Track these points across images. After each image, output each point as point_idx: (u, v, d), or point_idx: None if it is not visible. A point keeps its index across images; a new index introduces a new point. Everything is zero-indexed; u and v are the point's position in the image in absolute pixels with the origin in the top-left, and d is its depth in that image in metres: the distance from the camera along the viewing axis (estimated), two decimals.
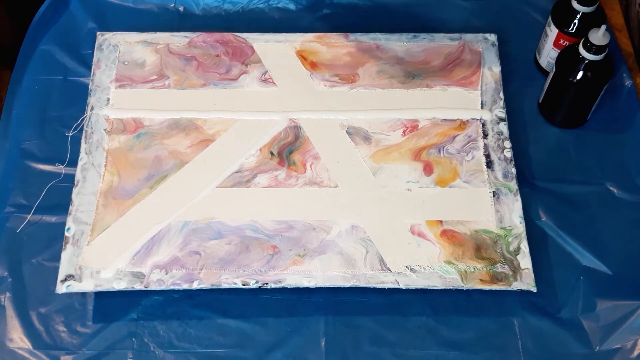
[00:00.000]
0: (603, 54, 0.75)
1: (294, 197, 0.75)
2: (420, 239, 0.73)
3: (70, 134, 0.81)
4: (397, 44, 0.85)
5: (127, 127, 0.79)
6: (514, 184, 0.76)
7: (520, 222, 0.74)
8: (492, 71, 0.83)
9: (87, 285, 0.70)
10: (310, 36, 0.85)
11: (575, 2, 0.79)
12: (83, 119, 0.80)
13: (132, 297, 0.72)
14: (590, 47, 0.75)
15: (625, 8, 0.93)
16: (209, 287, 0.70)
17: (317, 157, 0.78)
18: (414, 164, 0.77)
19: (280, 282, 0.70)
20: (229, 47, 0.85)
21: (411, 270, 0.71)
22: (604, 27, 0.74)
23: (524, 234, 0.73)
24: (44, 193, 0.78)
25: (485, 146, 0.79)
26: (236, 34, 0.86)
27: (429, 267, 0.71)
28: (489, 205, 0.75)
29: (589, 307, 0.73)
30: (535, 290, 0.70)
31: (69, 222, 0.73)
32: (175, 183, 0.76)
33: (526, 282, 0.71)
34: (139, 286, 0.70)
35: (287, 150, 0.78)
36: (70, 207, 0.74)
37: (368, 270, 0.71)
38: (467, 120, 0.80)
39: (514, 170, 0.77)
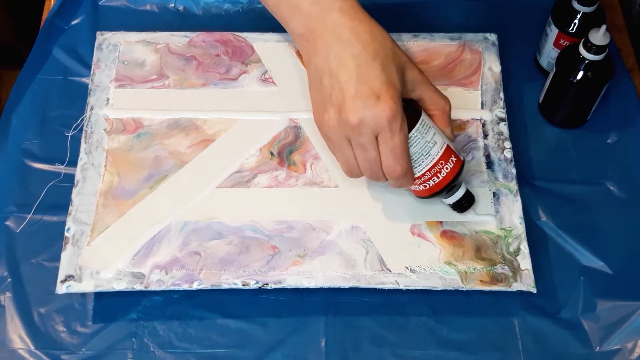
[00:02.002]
0: (603, 54, 0.75)
1: (294, 198, 0.75)
2: (421, 240, 0.73)
3: (70, 134, 0.81)
4: (397, 43, 0.85)
5: (127, 127, 0.79)
6: (514, 185, 0.76)
7: (520, 223, 0.74)
8: (492, 71, 0.83)
9: (87, 286, 0.70)
10: None
11: (576, 2, 0.79)
12: (83, 119, 0.80)
13: (132, 297, 0.72)
14: (591, 47, 0.75)
15: (626, 8, 0.93)
16: (209, 287, 0.70)
17: (317, 157, 0.78)
18: None
19: (280, 282, 0.70)
20: (229, 46, 0.85)
21: (411, 271, 0.71)
22: (604, 27, 0.74)
23: (524, 235, 0.73)
24: (44, 193, 0.78)
25: (486, 146, 0.79)
26: (236, 33, 0.86)
27: (429, 267, 0.71)
28: (489, 206, 0.75)
29: (589, 308, 0.73)
30: (535, 291, 0.70)
31: (69, 222, 0.73)
32: (175, 183, 0.76)
33: (526, 283, 0.71)
34: (139, 286, 0.70)
35: (287, 151, 0.78)
36: (70, 207, 0.74)
37: (368, 271, 0.71)
38: (467, 120, 0.80)
39: (514, 170, 0.77)
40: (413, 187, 0.70)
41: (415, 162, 0.67)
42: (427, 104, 0.68)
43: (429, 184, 0.69)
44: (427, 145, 0.67)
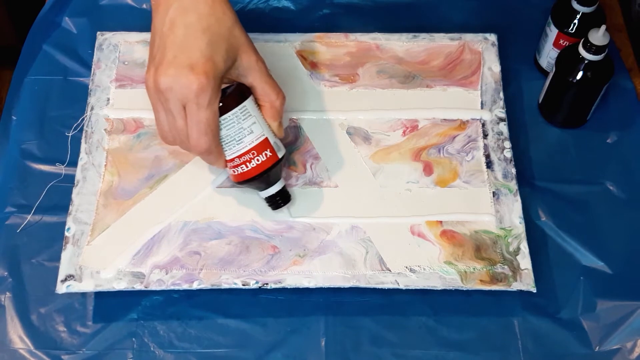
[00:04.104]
0: (603, 54, 0.75)
1: (294, 197, 0.75)
2: (420, 240, 0.73)
3: (70, 134, 0.81)
4: (397, 43, 0.85)
5: (127, 127, 0.79)
6: (513, 184, 0.76)
7: (520, 223, 0.74)
8: (492, 71, 0.83)
9: (87, 285, 0.70)
10: (310, 36, 0.85)
11: (575, 2, 0.79)
12: (83, 119, 0.80)
13: (132, 297, 0.72)
14: (590, 47, 0.75)
15: (625, 8, 0.93)
16: (209, 287, 0.70)
17: (317, 157, 0.78)
18: (414, 164, 0.77)
19: (280, 282, 0.71)
20: None
21: (411, 270, 0.71)
22: (603, 27, 0.74)
23: (523, 235, 0.73)
24: (44, 193, 0.78)
25: (485, 146, 0.79)
26: None
27: (428, 267, 0.71)
28: (489, 206, 0.75)
29: (589, 307, 0.73)
30: (534, 291, 0.70)
31: (69, 222, 0.73)
32: (175, 183, 0.76)
33: (526, 282, 0.71)
34: (139, 286, 0.70)
35: (287, 150, 0.78)
36: (70, 207, 0.74)
37: (368, 271, 0.71)
38: (467, 121, 0.80)
39: (513, 170, 0.77)
40: (227, 170, 0.70)
41: (227, 144, 0.67)
42: (258, 94, 0.69)
43: (237, 171, 0.69)
44: (242, 131, 0.67)
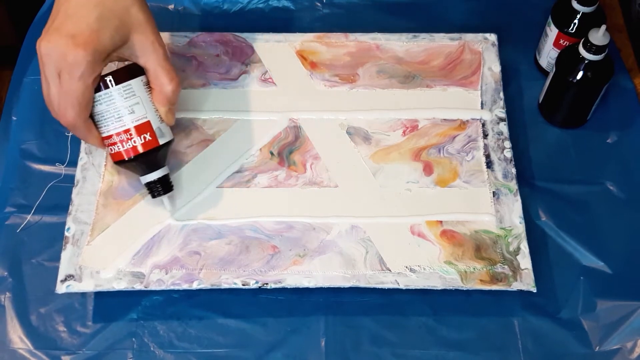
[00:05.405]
0: (603, 54, 0.75)
1: (294, 197, 0.75)
2: (420, 239, 0.73)
3: (70, 134, 0.81)
4: (397, 44, 0.85)
5: None
6: (514, 184, 0.76)
7: (520, 223, 0.74)
8: (492, 71, 0.83)
9: (87, 285, 0.70)
10: (310, 36, 0.85)
11: (575, 2, 0.79)
12: None
13: (132, 297, 0.72)
14: (590, 47, 0.75)
15: (625, 8, 0.93)
16: (209, 287, 0.70)
17: (317, 157, 0.78)
18: (414, 164, 0.77)
19: (280, 282, 0.71)
20: (229, 47, 0.85)
21: (411, 270, 0.71)
22: (604, 27, 0.74)
23: (523, 234, 0.73)
24: (44, 193, 0.78)
25: (485, 146, 0.79)
26: (236, 33, 0.86)
27: (428, 267, 0.71)
28: (489, 206, 0.75)
29: (589, 307, 0.73)
30: (535, 291, 0.70)
31: (69, 222, 0.73)
32: (176, 183, 0.76)
33: (526, 282, 0.71)
34: (139, 286, 0.70)
35: (287, 150, 0.78)
36: (70, 207, 0.74)
37: (368, 271, 0.71)
38: (467, 120, 0.80)
39: (513, 170, 0.77)
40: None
41: (105, 120, 0.67)
42: (150, 76, 0.69)
43: (114, 149, 0.68)
44: (122, 110, 0.67)
